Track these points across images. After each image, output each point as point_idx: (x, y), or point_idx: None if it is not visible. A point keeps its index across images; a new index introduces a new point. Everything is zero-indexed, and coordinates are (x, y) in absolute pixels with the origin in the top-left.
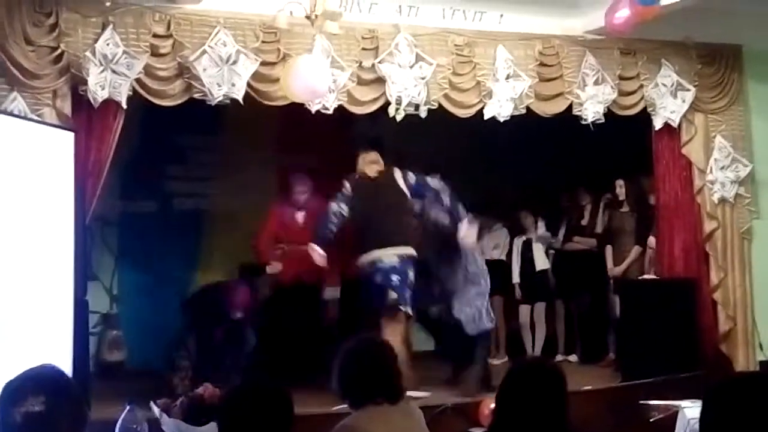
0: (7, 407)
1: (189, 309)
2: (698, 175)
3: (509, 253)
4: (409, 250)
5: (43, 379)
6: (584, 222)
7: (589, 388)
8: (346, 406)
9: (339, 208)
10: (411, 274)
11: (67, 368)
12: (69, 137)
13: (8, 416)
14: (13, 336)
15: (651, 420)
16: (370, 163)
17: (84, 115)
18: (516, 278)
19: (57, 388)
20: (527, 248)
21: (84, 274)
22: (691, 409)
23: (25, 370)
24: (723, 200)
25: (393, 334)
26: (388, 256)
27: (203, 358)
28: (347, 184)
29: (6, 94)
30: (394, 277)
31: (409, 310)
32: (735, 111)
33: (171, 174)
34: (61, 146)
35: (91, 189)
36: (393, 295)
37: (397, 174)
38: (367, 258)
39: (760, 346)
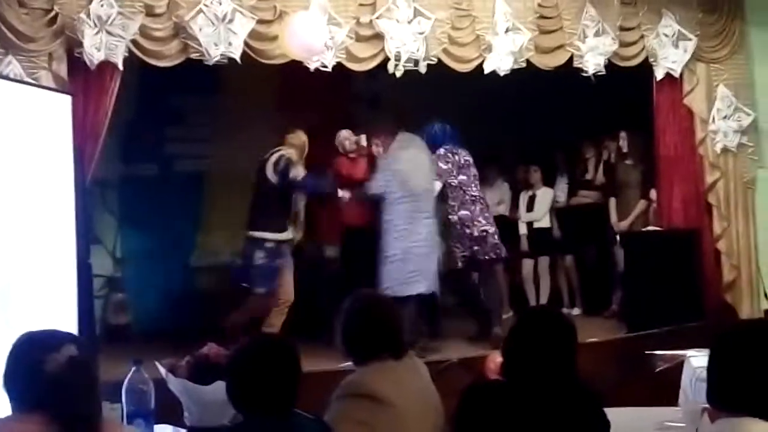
0: (40, 354)
1: None
2: (700, 125)
3: (511, 209)
4: None
5: (60, 333)
6: (589, 176)
7: (595, 339)
8: (350, 363)
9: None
10: None
11: (74, 331)
12: (66, 100)
13: (42, 363)
14: (18, 301)
15: (657, 370)
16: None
17: (81, 78)
18: (523, 230)
19: (79, 339)
20: (531, 204)
21: (86, 238)
22: (696, 358)
23: (27, 331)
24: (726, 150)
25: None
26: None
27: None
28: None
29: (1, 58)
30: None
31: None
32: (737, 60)
33: (170, 136)
34: (58, 110)
35: (90, 152)
36: None
37: None
38: None
39: (765, 294)
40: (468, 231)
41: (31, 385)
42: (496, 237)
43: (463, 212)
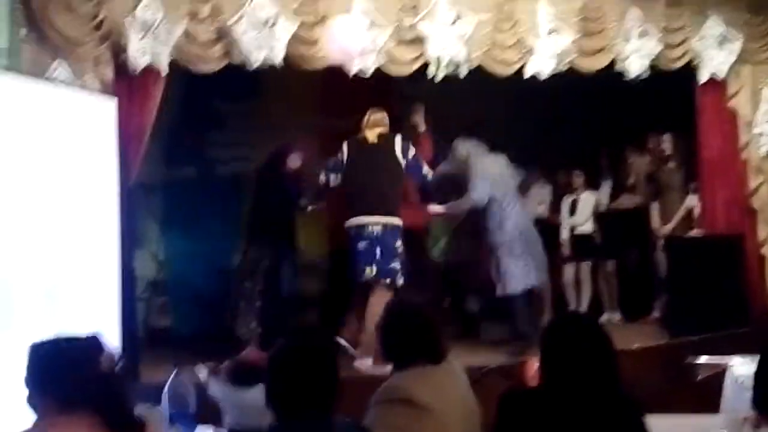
0: (88, 355)
1: None
2: (744, 128)
3: (552, 213)
4: (395, 221)
5: (97, 342)
6: (631, 180)
7: (637, 346)
8: (390, 368)
9: (326, 178)
10: (398, 244)
11: (117, 334)
12: (111, 104)
13: (93, 363)
14: (63, 304)
15: (699, 377)
16: (374, 126)
17: (125, 82)
18: (565, 235)
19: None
20: (574, 208)
21: (130, 241)
22: (739, 366)
23: (46, 340)
24: None
25: (378, 304)
26: (374, 224)
27: None
28: (344, 149)
29: (49, 62)
30: (377, 249)
31: (398, 280)
32: None
33: (212, 140)
34: (103, 113)
35: (134, 155)
36: (371, 271)
37: (397, 142)
38: (353, 221)
39: None
40: None
41: (81, 385)
42: None
43: None
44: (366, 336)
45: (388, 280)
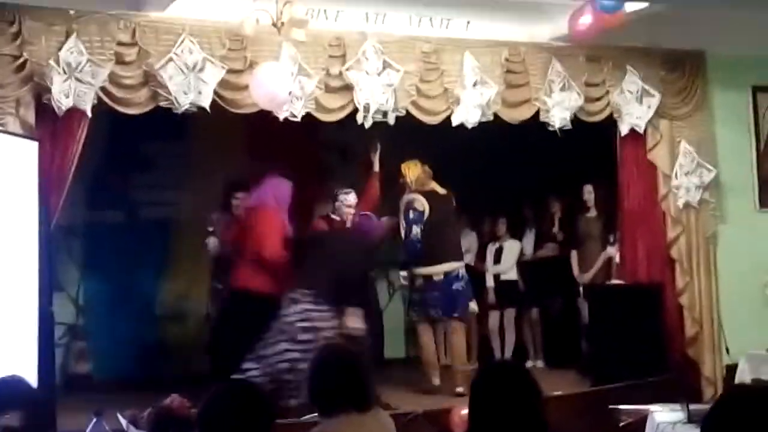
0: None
1: None
2: (663, 180)
3: (477, 260)
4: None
5: (16, 392)
6: (555, 230)
7: (559, 393)
8: (316, 414)
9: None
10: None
11: (33, 380)
12: (33, 147)
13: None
14: None
15: (621, 424)
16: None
17: (48, 124)
18: (490, 282)
19: (29, 401)
20: (499, 255)
21: (49, 285)
22: (659, 413)
23: None
24: (688, 205)
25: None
26: (456, 268)
27: None
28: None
29: None
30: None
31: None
32: (699, 116)
33: (137, 182)
34: (24, 156)
35: (56, 199)
36: (474, 306)
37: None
38: (439, 268)
39: (726, 350)
40: None
41: None
42: None
43: None
44: None
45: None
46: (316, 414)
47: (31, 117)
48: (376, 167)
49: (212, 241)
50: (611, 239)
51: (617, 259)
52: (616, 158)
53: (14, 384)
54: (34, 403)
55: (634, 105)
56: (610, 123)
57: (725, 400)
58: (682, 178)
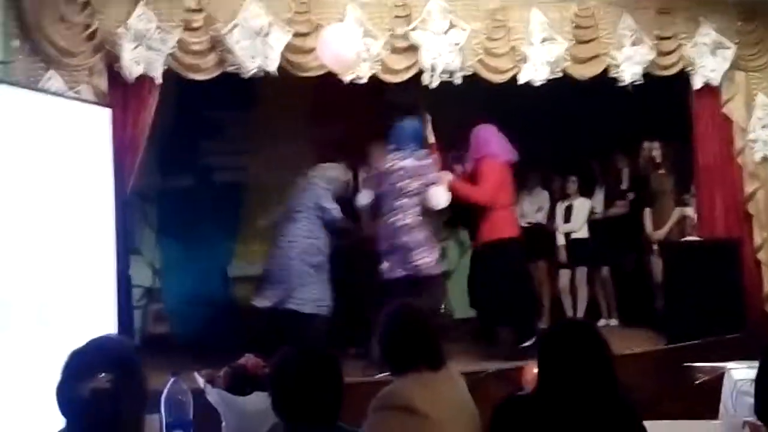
0: (73, 380)
1: None
2: (739, 134)
3: (549, 219)
4: None
5: (111, 354)
6: (624, 186)
7: (633, 351)
8: (388, 373)
9: None
10: None
11: None
12: (106, 114)
13: (74, 390)
14: (60, 312)
15: (697, 382)
16: None
17: (120, 92)
18: (561, 240)
19: (124, 364)
20: (569, 214)
21: (126, 249)
22: (737, 371)
23: (92, 339)
24: (765, 159)
25: None
26: None
27: None
28: None
29: (42, 72)
30: None
31: None
32: None
33: (207, 148)
34: (98, 123)
35: (129, 165)
36: None
37: None
38: None
39: None
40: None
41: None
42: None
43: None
44: None
45: None
46: (388, 373)
47: (103, 84)
48: (431, 138)
49: (364, 195)
50: (686, 197)
51: (693, 215)
52: (687, 113)
53: (107, 343)
54: (128, 366)
55: (708, 57)
56: (683, 77)
57: None
58: (759, 131)
